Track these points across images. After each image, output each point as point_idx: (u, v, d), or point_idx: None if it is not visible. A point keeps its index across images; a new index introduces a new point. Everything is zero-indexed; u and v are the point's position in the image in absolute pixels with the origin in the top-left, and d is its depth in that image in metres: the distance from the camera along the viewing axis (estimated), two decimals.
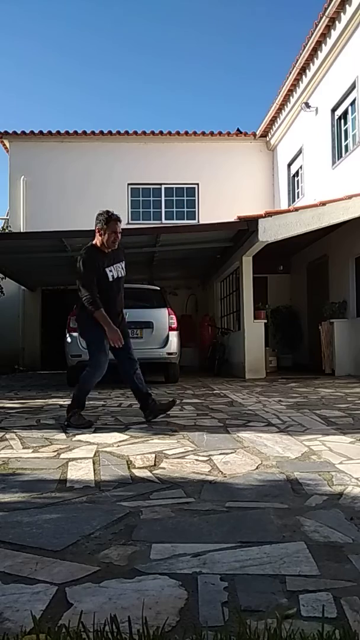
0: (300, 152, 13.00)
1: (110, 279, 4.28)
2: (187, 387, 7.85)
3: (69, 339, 8.04)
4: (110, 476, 2.61)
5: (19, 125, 29.41)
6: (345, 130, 10.67)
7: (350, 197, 8.92)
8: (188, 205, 14.97)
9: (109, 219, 4.24)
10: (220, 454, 3.05)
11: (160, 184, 14.87)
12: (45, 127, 20.86)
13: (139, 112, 34.83)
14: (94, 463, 2.88)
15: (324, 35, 10.57)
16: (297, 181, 13.60)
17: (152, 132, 14.67)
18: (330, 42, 10.47)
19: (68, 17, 33.91)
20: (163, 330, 8.32)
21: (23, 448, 3.36)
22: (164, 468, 2.75)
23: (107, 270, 4.27)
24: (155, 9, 33.09)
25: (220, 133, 14.88)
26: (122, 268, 4.43)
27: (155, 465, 2.82)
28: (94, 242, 4.35)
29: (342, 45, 10.21)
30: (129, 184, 14.73)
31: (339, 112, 10.85)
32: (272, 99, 13.50)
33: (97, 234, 4.29)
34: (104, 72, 37.26)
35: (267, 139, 14.95)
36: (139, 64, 36.13)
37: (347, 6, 9.62)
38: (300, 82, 12.26)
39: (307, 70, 11.75)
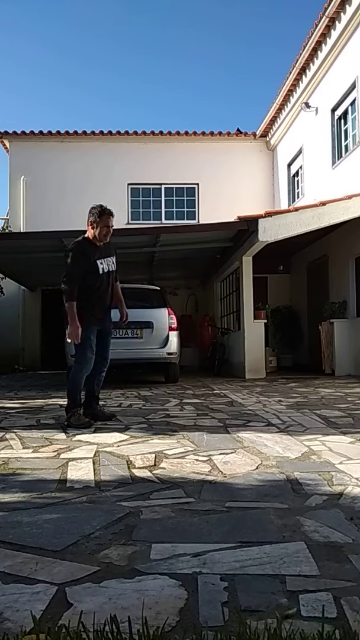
0: (300, 152, 13.00)
1: (101, 271, 4.31)
2: (187, 387, 7.84)
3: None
4: (110, 476, 2.61)
5: (19, 125, 29.43)
6: (345, 130, 10.67)
7: (350, 197, 8.92)
8: (188, 205, 14.97)
9: (102, 213, 4.28)
10: (220, 454, 3.05)
11: (160, 184, 14.87)
12: (45, 127, 20.89)
13: (139, 112, 34.87)
14: (94, 463, 2.88)
15: (324, 35, 10.57)
16: (297, 181, 13.60)
17: (152, 132, 14.67)
18: (330, 42, 10.47)
19: (68, 17, 33.94)
20: (163, 330, 8.32)
21: (23, 448, 3.36)
22: (164, 468, 2.75)
23: (98, 262, 4.29)
24: (155, 9, 33.12)
25: (220, 133, 14.88)
26: (113, 263, 4.45)
27: (155, 465, 2.82)
28: (85, 235, 4.39)
29: (342, 45, 10.21)
30: (129, 184, 14.73)
31: (339, 112, 10.85)
32: (272, 99, 13.50)
33: (90, 227, 4.34)
34: (104, 72, 37.30)
35: (267, 139, 14.95)
36: (139, 64, 36.17)
37: (347, 6, 9.62)
38: (300, 82, 12.26)
39: (307, 70, 11.75)
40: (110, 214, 4.32)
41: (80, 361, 4.34)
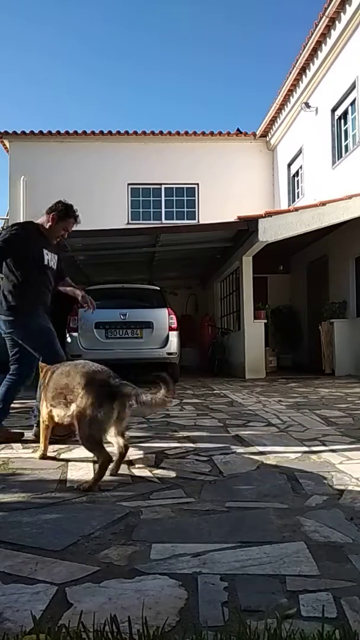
0: (300, 152, 13.00)
1: (46, 262, 3.75)
2: (187, 387, 7.84)
3: (69, 339, 8.04)
4: (110, 476, 2.61)
5: (19, 125, 29.45)
6: (345, 130, 10.67)
7: (350, 197, 8.92)
8: (188, 206, 14.96)
9: (68, 214, 3.78)
10: (221, 454, 3.05)
11: (160, 184, 14.87)
12: (45, 127, 20.88)
13: (139, 112, 34.87)
14: (94, 463, 2.88)
15: (324, 35, 10.57)
16: (297, 181, 13.60)
17: (152, 133, 14.66)
18: (330, 42, 10.47)
19: (67, 18, 33.93)
20: (163, 330, 8.32)
21: (23, 448, 3.36)
22: (164, 468, 2.75)
23: (44, 251, 3.75)
24: (156, 9, 33.11)
25: (220, 133, 14.88)
26: (57, 261, 3.94)
27: (155, 465, 2.82)
28: (38, 220, 3.85)
29: (342, 45, 10.21)
30: (129, 184, 14.72)
31: (339, 112, 10.85)
32: (272, 99, 13.50)
33: (50, 219, 3.77)
34: (104, 73, 37.31)
35: (267, 139, 14.95)
36: (139, 64, 36.16)
37: (347, 6, 9.62)
38: (300, 82, 12.26)
39: (307, 70, 11.75)
40: (75, 219, 3.84)
41: None
